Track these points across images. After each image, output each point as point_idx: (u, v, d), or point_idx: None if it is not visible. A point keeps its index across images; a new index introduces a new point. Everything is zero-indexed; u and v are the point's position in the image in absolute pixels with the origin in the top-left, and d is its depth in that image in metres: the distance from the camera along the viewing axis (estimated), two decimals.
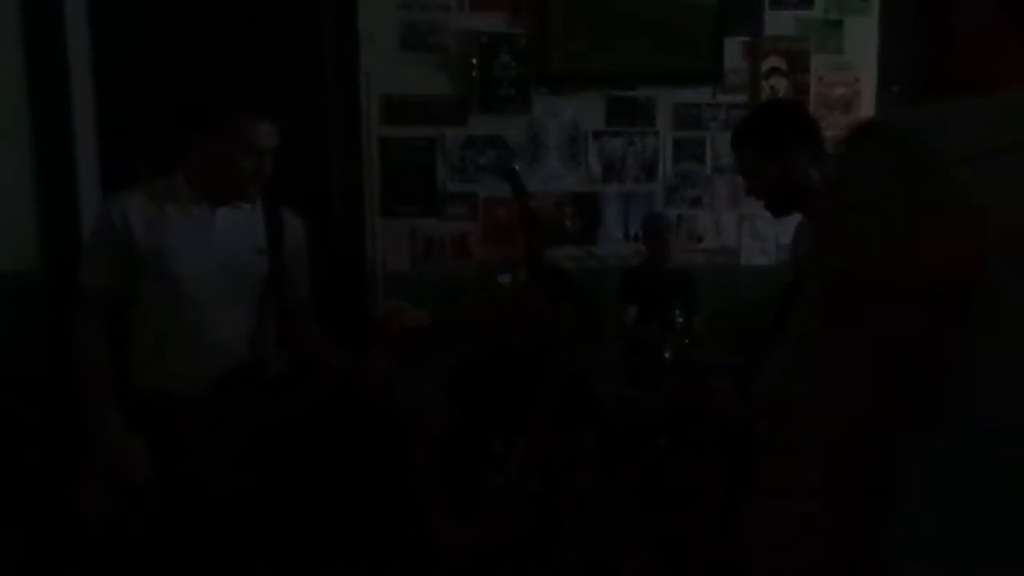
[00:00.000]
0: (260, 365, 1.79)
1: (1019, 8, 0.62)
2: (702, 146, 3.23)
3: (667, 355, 2.41)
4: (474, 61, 2.96)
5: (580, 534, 1.62)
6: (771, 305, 1.79)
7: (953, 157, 0.51)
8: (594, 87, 3.09)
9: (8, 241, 2.65)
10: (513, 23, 3.00)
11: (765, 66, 3.22)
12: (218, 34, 2.84)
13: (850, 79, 3.32)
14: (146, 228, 1.71)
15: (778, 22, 3.23)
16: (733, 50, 3.18)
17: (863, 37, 3.30)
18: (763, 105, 1.94)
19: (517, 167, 1.56)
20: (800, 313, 0.61)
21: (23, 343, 2.57)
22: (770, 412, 0.66)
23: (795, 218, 3.31)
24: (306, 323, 1.91)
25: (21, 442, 2.29)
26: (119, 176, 2.72)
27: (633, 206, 3.20)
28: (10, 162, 2.64)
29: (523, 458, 1.65)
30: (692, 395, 1.99)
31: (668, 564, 2.03)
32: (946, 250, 0.50)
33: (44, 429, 2.35)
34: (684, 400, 1.97)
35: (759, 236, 3.33)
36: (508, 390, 1.72)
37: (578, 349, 1.75)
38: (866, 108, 3.35)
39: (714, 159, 3.24)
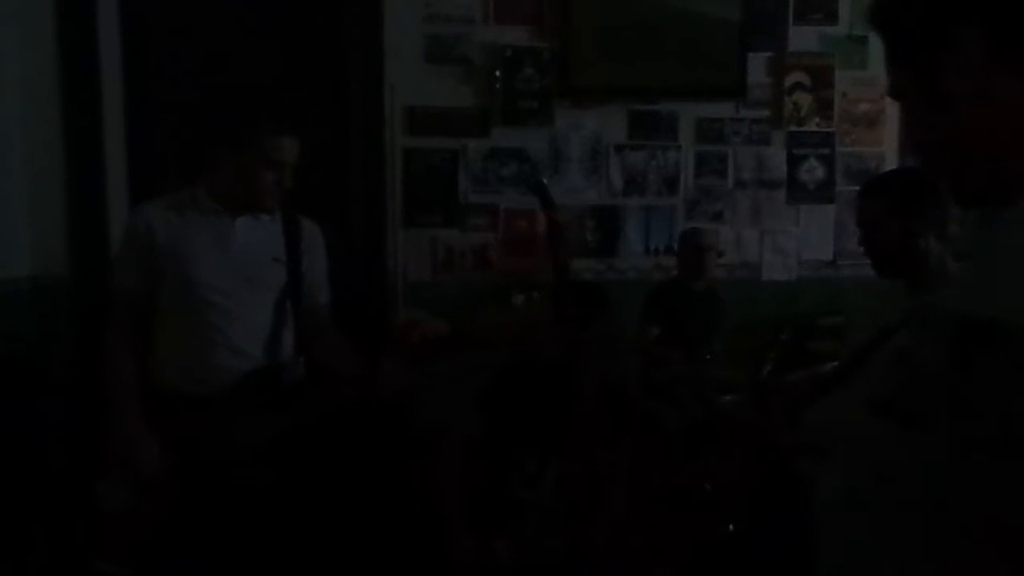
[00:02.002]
0: (276, 370, 1.82)
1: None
2: (724, 161, 3.22)
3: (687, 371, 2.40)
4: (498, 74, 2.99)
5: (610, 553, 1.60)
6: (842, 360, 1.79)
7: None
8: (617, 100, 3.10)
9: (38, 246, 2.70)
10: (537, 37, 3.02)
11: (788, 81, 3.21)
12: (244, 46, 2.89)
13: (875, 95, 3.30)
14: (168, 235, 1.77)
15: (802, 38, 3.22)
16: (757, 65, 3.17)
17: None
18: (909, 169, 2.00)
19: (545, 181, 1.56)
20: None
21: (51, 346, 2.61)
22: None
23: (820, 230, 3.30)
24: (324, 330, 1.93)
25: (48, 443, 2.32)
26: (146, 184, 2.77)
27: (654, 220, 3.19)
28: (42, 170, 2.70)
29: (557, 477, 1.63)
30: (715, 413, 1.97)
31: None
32: None
33: (71, 430, 2.39)
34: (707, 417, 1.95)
35: (781, 251, 3.31)
36: (541, 405, 1.71)
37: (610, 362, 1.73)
38: (890, 124, 3.32)
39: (736, 174, 3.23)
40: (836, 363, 2.09)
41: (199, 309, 1.76)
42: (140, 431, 1.70)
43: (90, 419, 2.29)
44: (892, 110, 3.32)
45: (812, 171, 3.29)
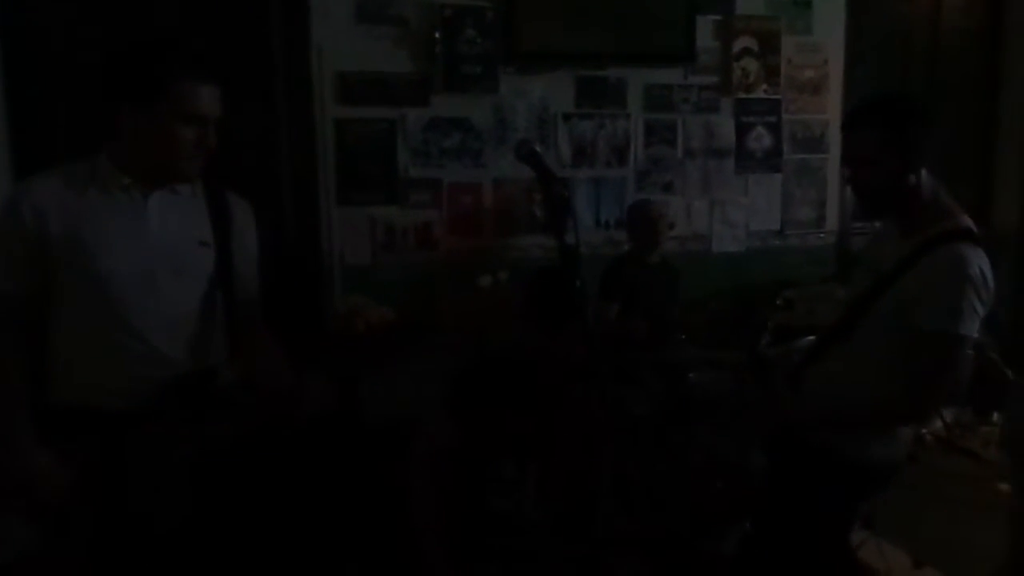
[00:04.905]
0: (207, 375, 1.56)
1: None
2: (673, 129, 3.11)
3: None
4: (437, 36, 2.75)
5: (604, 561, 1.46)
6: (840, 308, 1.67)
7: None
8: (564, 66, 2.92)
9: None
10: None
11: (737, 46, 3.12)
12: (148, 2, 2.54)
13: (819, 61, 3.26)
14: (63, 219, 1.45)
15: (749, 1, 3.13)
16: (705, 29, 3.07)
17: (831, 17, 3.25)
18: (897, 94, 1.76)
19: (537, 148, 1.34)
20: None
21: None
22: None
23: (768, 200, 3.25)
24: (254, 329, 1.67)
25: None
26: (34, 160, 2.39)
27: (604, 192, 3.06)
28: None
29: (538, 483, 1.46)
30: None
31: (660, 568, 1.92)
32: None
33: None
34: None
35: (730, 223, 3.25)
36: (517, 405, 1.52)
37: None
38: (834, 91, 3.30)
39: (685, 142, 3.13)
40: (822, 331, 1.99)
41: (108, 308, 1.46)
42: (38, 453, 1.42)
43: None
44: (835, 76, 3.30)
45: (760, 139, 3.23)
